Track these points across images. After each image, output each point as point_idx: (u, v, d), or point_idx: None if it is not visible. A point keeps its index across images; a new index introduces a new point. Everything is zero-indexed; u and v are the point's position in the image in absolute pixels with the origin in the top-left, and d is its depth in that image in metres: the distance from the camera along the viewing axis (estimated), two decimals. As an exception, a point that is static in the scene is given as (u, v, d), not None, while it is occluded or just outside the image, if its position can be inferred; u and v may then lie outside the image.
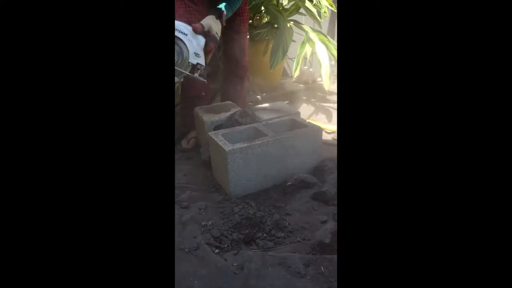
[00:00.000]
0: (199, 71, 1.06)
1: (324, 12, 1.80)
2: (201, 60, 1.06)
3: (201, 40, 1.06)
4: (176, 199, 1.15)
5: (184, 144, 1.50)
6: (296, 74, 1.70)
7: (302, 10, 1.91)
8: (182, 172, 1.34)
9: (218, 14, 1.12)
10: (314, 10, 1.79)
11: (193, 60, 1.05)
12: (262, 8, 1.92)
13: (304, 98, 2.19)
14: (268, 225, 0.98)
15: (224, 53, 1.55)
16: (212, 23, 1.09)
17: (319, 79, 2.47)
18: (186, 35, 1.04)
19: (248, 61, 1.54)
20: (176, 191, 1.21)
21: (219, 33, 1.12)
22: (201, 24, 1.05)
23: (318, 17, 1.83)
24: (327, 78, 1.67)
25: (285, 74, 2.57)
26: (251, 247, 0.92)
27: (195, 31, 1.03)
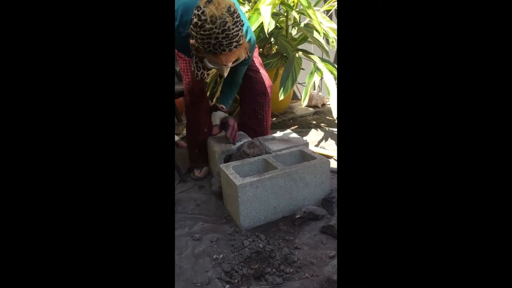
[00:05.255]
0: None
1: (332, 42, 1.85)
2: None
3: None
4: (189, 231, 1.19)
5: (196, 173, 1.56)
6: (304, 103, 1.75)
7: (310, 39, 1.97)
8: (195, 201, 1.39)
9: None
10: (322, 40, 1.84)
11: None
12: (272, 38, 1.99)
13: (314, 123, 2.23)
14: (277, 260, 1.01)
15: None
16: None
17: (328, 103, 2.52)
18: None
19: (270, 85, 1.56)
20: (189, 222, 1.25)
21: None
22: None
23: (325, 47, 1.88)
24: (336, 107, 1.71)
25: (295, 96, 2.63)
26: (261, 282, 0.95)
27: None
